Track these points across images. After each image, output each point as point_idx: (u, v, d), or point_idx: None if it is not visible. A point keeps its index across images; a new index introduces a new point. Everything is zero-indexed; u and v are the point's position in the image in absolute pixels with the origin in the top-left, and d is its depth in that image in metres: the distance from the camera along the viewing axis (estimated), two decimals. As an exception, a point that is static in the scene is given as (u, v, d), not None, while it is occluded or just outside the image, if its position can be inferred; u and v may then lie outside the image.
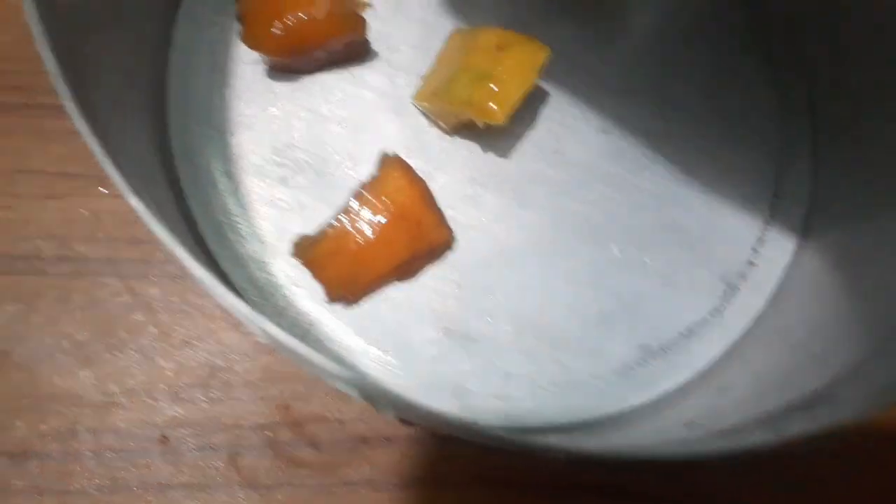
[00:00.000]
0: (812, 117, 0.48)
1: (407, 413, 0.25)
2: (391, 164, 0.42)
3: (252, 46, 0.42)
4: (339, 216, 0.41)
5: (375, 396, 0.25)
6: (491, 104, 0.40)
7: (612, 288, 0.44)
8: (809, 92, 0.48)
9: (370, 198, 0.41)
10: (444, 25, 0.47)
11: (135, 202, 0.26)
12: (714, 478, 0.42)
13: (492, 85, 0.40)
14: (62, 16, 0.31)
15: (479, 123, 0.42)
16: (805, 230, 0.46)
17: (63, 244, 0.43)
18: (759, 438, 0.25)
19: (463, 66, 0.42)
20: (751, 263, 0.45)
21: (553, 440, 0.36)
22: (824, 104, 0.47)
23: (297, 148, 0.44)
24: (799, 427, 0.24)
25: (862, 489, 0.42)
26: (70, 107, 0.26)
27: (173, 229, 0.34)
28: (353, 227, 0.41)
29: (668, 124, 0.46)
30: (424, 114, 0.45)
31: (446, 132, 0.45)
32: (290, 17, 0.41)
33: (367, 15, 0.46)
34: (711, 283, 0.45)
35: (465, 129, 0.44)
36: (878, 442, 0.42)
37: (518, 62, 0.41)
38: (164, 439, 0.41)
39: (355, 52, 0.45)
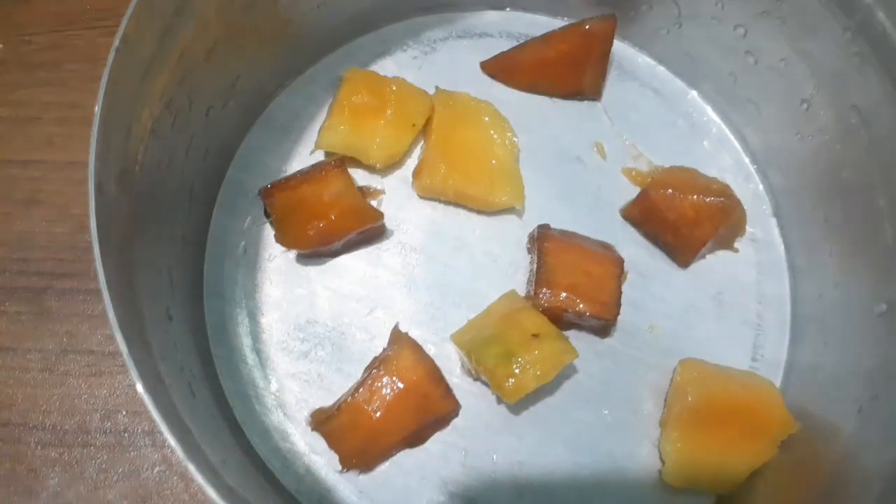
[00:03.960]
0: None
1: None
2: (401, 342, 0.47)
3: (286, 246, 0.48)
4: (354, 392, 0.46)
5: None
6: (507, 384, 0.43)
7: (605, 449, 0.48)
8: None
9: (382, 375, 0.46)
10: (453, 264, 0.51)
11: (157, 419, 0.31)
12: None
13: (515, 368, 0.43)
14: (117, 222, 0.36)
15: (492, 392, 0.47)
16: (783, 390, 0.50)
17: (107, 417, 0.48)
18: None
19: (499, 334, 0.45)
20: (733, 423, 0.49)
21: None
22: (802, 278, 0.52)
23: (319, 323, 0.49)
24: None
25: None
26: (110, 315, 0.32)
27: (203, 420, 0.39)
28: (366, 403, 0.45)
29: (656, 300, 0.51)
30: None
31: (466, 374, 0.49)
32: (319, 220, 0.47)
33: (381, 200, 0.52)
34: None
35: (481, 381, 0.48)
36: None
37: (546, 356, 0.44)
38: None
39: (373, 234, 0.51)
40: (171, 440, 0.30)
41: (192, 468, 0.30)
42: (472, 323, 0.49)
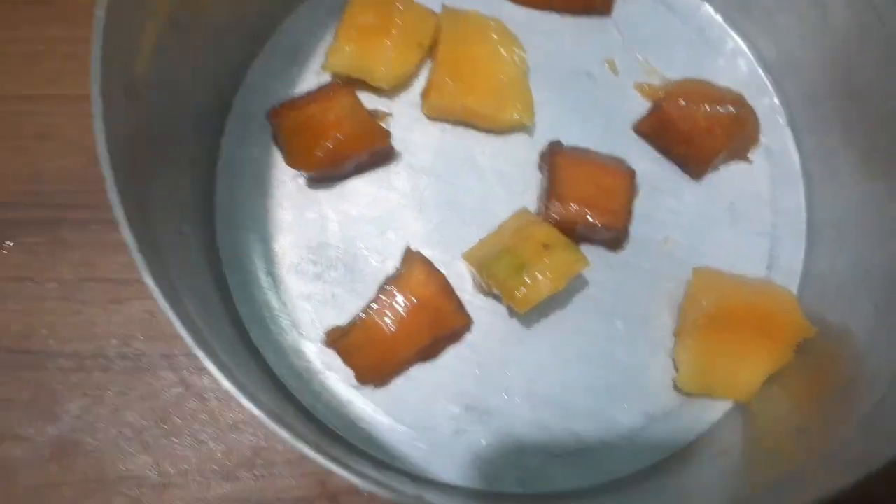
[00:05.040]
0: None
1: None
2: (413, 260, 0.47)
3: (295, 167, 0.48)
4: (367, 309, 0.46)
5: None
6: (518, 293, 0.44)
7: (619, 360, 0.48)
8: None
9: (395, 292, 0.46)
10: (463, 184, 0.51)
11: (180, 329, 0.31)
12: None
13: (526, 278, 0.43)
14: (125, 140, 0.36)
15: (504, 303, 0.47)
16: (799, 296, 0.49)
17: (125, 343, 0.48)
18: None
19: (510, 247, 0.45)
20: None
21: None
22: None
23: (331, 246, 0.49)
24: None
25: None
26: (123, 226, 0.32)
27: (220, 332, 0.39)
28: (380, 318, 0.46)
29: (670, 212, 0.51)
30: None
31: (478, 290, 0.49)
32: (326, 140, 0.47)
33: (390, 122, 0.52)
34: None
35: (492, 296, 0.48)
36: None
37: (556, 265, 0.44)
38: (216, 515, 0.46)
39: (381, 157, 0.50)
40: (182, 331, 0.31)
41: (201, 355, 0.30)
42: (483, 241, 0.48)
